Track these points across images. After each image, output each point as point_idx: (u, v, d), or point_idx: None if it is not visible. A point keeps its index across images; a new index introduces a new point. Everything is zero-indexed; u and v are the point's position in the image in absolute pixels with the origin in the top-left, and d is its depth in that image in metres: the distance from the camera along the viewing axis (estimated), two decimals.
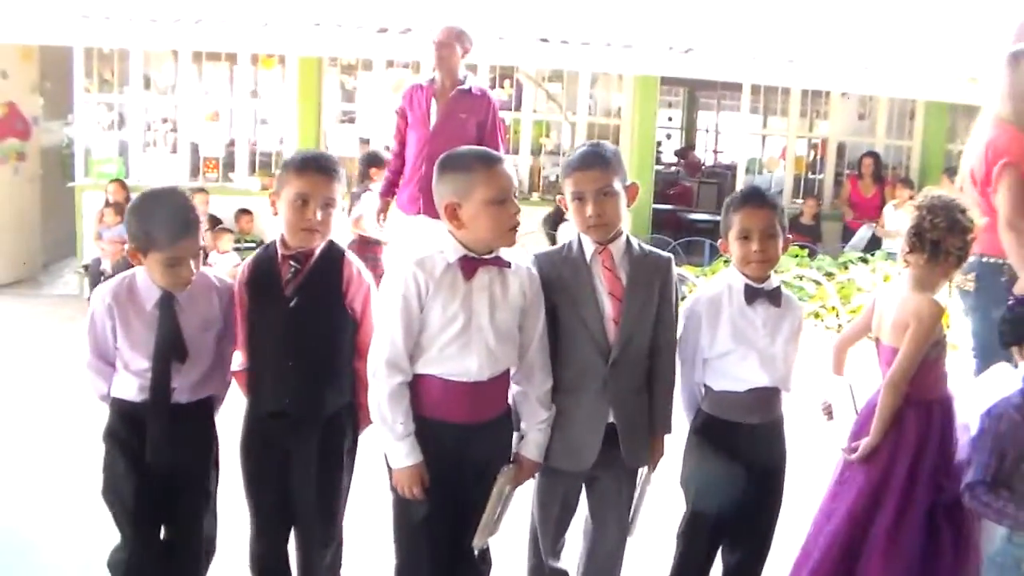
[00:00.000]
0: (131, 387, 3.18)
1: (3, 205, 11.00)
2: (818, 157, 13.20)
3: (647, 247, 3.29)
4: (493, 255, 3.02)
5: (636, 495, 3.37)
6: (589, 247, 3.19)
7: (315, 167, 3.20)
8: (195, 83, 11.86)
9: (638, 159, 11.64)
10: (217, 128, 11.97)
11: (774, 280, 3.33)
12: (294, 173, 3.17)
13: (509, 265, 3.04)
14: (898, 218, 10.25)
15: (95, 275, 9.65)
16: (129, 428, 3.19)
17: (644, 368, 3.27)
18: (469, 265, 2.98)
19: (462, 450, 3.03)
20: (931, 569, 3.21)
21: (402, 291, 2.95)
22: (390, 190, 6.75)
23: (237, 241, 10.29)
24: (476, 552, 3.12)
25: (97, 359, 3.23)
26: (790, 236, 3.39)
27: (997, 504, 2.82)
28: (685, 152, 20.48)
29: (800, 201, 12.33)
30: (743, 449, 3.33)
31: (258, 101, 12.10)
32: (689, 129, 21.78)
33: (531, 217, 10.84)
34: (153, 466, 3.17)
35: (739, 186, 11.85)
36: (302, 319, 3.17)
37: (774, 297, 3.31)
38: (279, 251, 3.23)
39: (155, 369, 3.13)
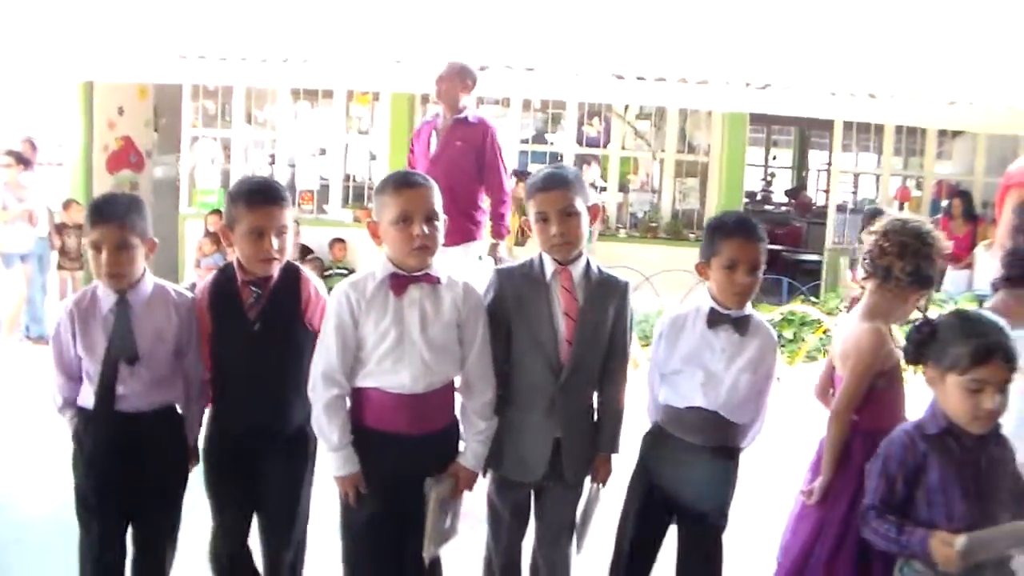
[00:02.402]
0: (89, 395, 3.30)
1: None
2: (935, 197, 12.87)
3: (606, 270, 3.35)
4: (423, 272, 3.11)
5: (583, 512, 3.42)
6: (550, 266, 3.25)
7: (263, 199, 3.27)
8: (292, 119, 12.30)
9: (725, 196, 11.61)
10: (312, 162, 12.40)
11: (747, 308, 3.32)
12: (244, 207, 3.25)
13: (439, 281, 3.14)
14: (988, 259, 9.98)
15: None
16: (86, 433, 3.34)
17: (593, 388, 3.34)
18: (398, 282, 3.08)
19: (404, 461, 3.11)
20: None
21: (336, 310, 3.10)
22: None
23: (327, 268, 10.77)
24: (426, 561, 3.19)
25: (59, 371, 3.36)
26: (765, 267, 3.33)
27: (882, 529, 2.71)
28: (796, 192, 20.23)
29: None
30: (682, 463, 3.33)
31: (352, 136, 12.45)
32: (800, 169, 21.50)
33: (615, 252, 10.95)
34: (108, 467, 3.29)
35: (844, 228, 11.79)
36: (266, 341, 3.30)
37: (740, 324, 3.27)
38: (239, 276, 3.33)
39: (105, 366, 3.24)
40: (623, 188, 12.36)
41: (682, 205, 12.19)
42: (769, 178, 21.24)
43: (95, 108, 12.05)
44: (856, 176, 14.42)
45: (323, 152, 12.65)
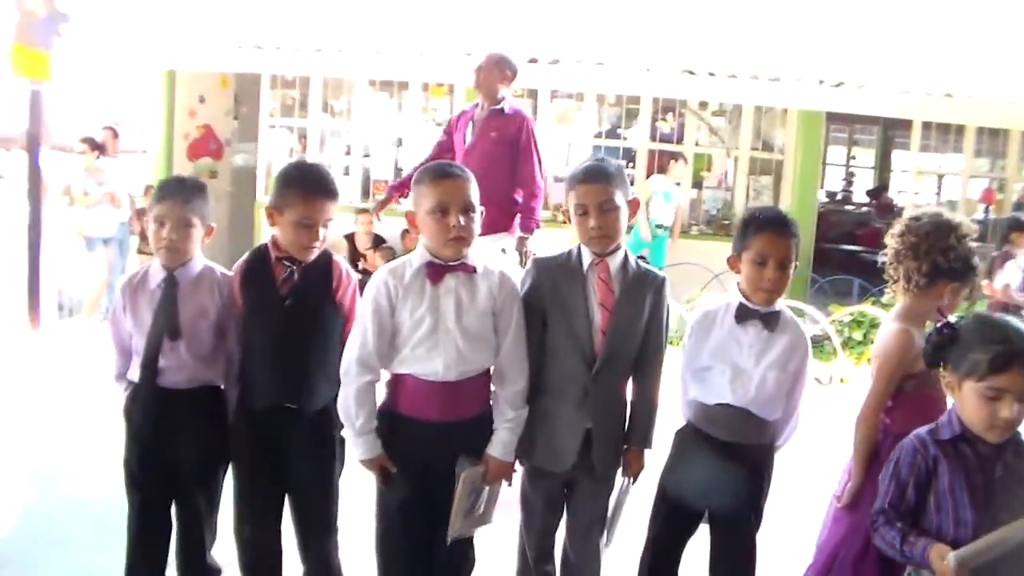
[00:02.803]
0: (136, 370, 3.45)
1: None
2: (1021, 199, 12.59)
3: (644, 264, 3.37)
4: (459, 262, 3.16)
5: (613, 505, 3.44)
6: (587, 258, 3.28)
7: (318, 191, 3.35)
8: (369, 109, 12.45)
9: (799, 194, 11.51)
10: (389, 152, 12.53)
11: (778, 304, 3.31)
12: (299, 196, 3.32)
13: (475, 270, 3.19)
14: None
15: None
16: (134, 408, 3.49)
17: (626, 381, 3.36)
18: (435, 270, 3.12)
19: (436, 447, 3.17)
20: None
21: (374, 295, 3.15)
22: (400, 189, 6.76)
23: (396, 256, 10.85)
24: (450, 542, 3.23)
25: (116, 345, 3.54)
26: (798, 263, 3.32)
27: (888, 537, 2.67)
28: (878, 192, 19.91)
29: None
30: (713, 462, 3.32)
31: (428, 127, 12.56)
32: (882, 169, 21.15)
33: (687, 249, 10.92)
34: (151, 440, 3.43)
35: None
36: (296, 317, 3.37)
37: (769, 320, 3.27)
38: (272, 253, 3.42)
39: (148, 340, 3.38)
40: (697, 185, 12.29)
41: (756, 203, 12.09)
42: (849, 177, 20.93)
43: (177, 96, 12.33)
44: (940, 177, 14.15)
45: (400, 143, 12.76)
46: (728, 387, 3.28)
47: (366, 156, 12.50)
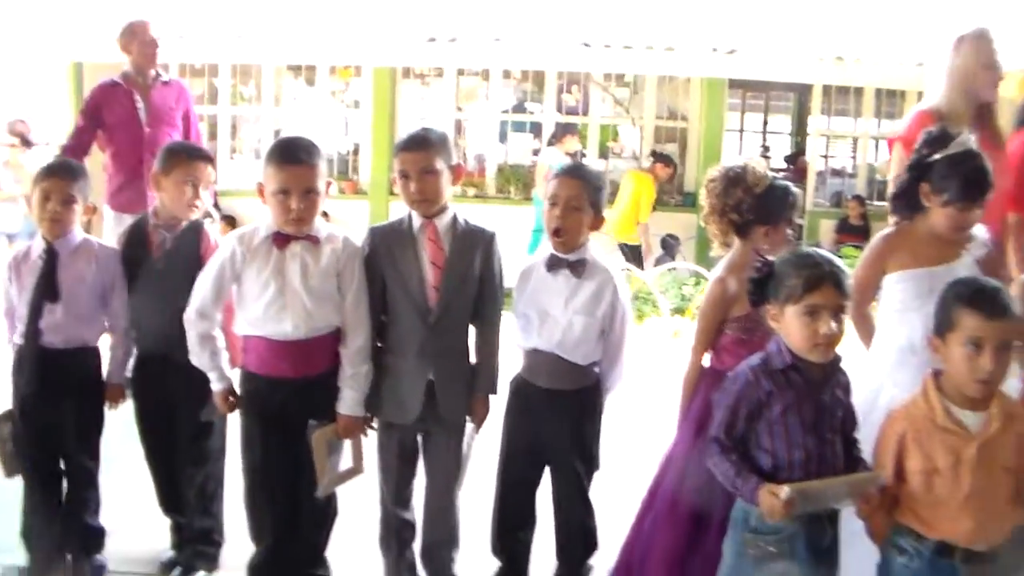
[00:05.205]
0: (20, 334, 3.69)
1: None
2: None
3: (472, 223, 3.57)
4: (304, 235, 3.38)
5: (464, 451, 3.64)
6: (417, 221, 3.50)
7: (198, 156, 3.84)
8: (278, 94, 12.54)
9: (704, 161, 11.72)
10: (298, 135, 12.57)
11: (584, 251, 3.51)
12: (185, 159, 3.76)
13: (319, 240, 3.40)
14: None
15: None
16: (19, 371, 3.70)
17: (464, 332, 3.57)
18: (282, 239, 3.38)
19: (290, 403, 3.40)
20: (703, 539, 3.29)
21: (220, 255, 3.42)
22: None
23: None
24: (319, 497, 3.47)
25: (6, 315, 3.78)
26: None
27: (723, 467, 2.79)
28: (794, 158, 20.19)
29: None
30: (540, 408, 3.55)
31: (334, 110, 12.68)
32: (799, 135, 21.44)
33: None
34: (32, 399, 3.66)
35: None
36: (169, 278, 3.63)
37: (576, 268, 3.47)
38: (151, 222, 3.76)
39: (31, 303, 3.61)
40: (603, 155, 12.51)
41: (640, 165, 12.27)
42: (766, 143, 21.21)
43: (86, 88, 12.24)
44: (855, 140, 14.43)
45: (308, 126, 12.82)
46: (536, 332, 3.50)
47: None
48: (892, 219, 3.61)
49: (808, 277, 2.73)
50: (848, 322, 2.99)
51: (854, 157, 16.36)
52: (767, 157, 20.50)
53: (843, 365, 2.90)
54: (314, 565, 3.66)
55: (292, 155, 3.36)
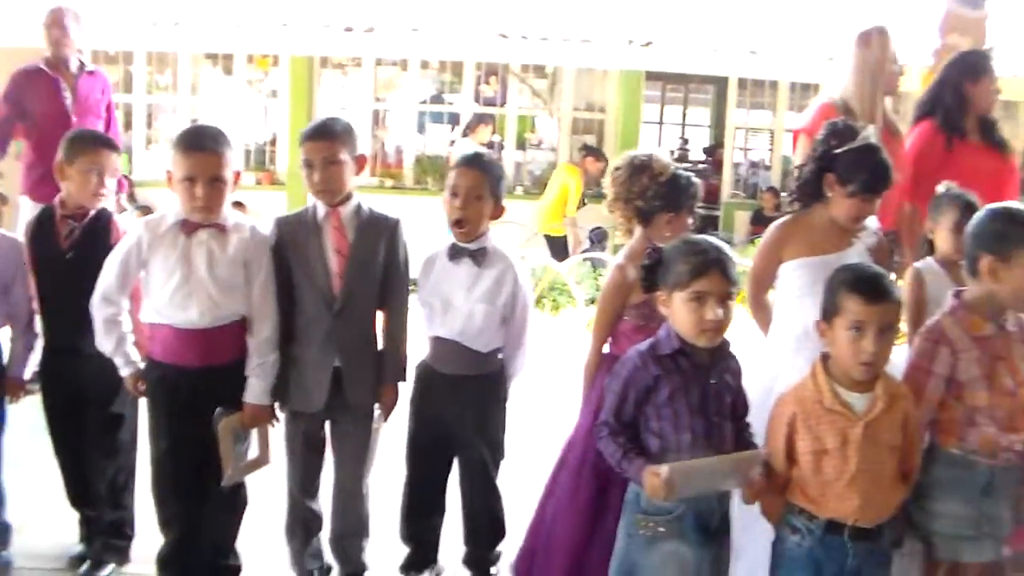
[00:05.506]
0: None
1: None
2: None
3: (377, 211, 3.60)
4: (211, 223, 3.39)
5: (372, 439, 3.66)
6: (321, 210, 3.52)
7: (99, 144, 3.77)
8: (193, 83, 12.41)
9: (620, 152, 11.79)
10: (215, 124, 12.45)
11: (485, 240, 3.56)
12: (91, 147, 3.72)
13: (226, 228, 3.41)
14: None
15: None
16: None
17: (370, 320, 3.59)
18: (189, 226, 3.38)
19: (196, 392, 3.39)
20: (603, 522, 3.35)
21: (126, 242, 3.41)
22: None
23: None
24: (225, 486, 3.48)
25: None
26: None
27: (610, 449, 2.85)
28: (713, 150, 20.44)
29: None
30: (444, 395, 3.60)
31: (252, 100, 12.58)
32: (718, 127, 21.70)
33: (514, 209, 11.12)
34: None
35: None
36: (78, 269, 3.58)
37: (477, 257, 3.53)
38: (58, 212, 3.69)
39: None
40: (521, 146, 12.56)
41: (571, 159, 12.35)
42: (686, 136, 21.42)
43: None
44: (772, 132, 14.64)
45: (226, 116, 12.70)
46: (439, 321, 3.55)
47: None
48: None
49: (695, 264, 2.80)
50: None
51: (772, 150, 16.66)
52: (686, 150, 20.79)
53: (733, 350, 2.98)
54: (224, 555, 3.65)
55: (198, 142, 3.36)
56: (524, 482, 3.83)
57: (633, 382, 2.87)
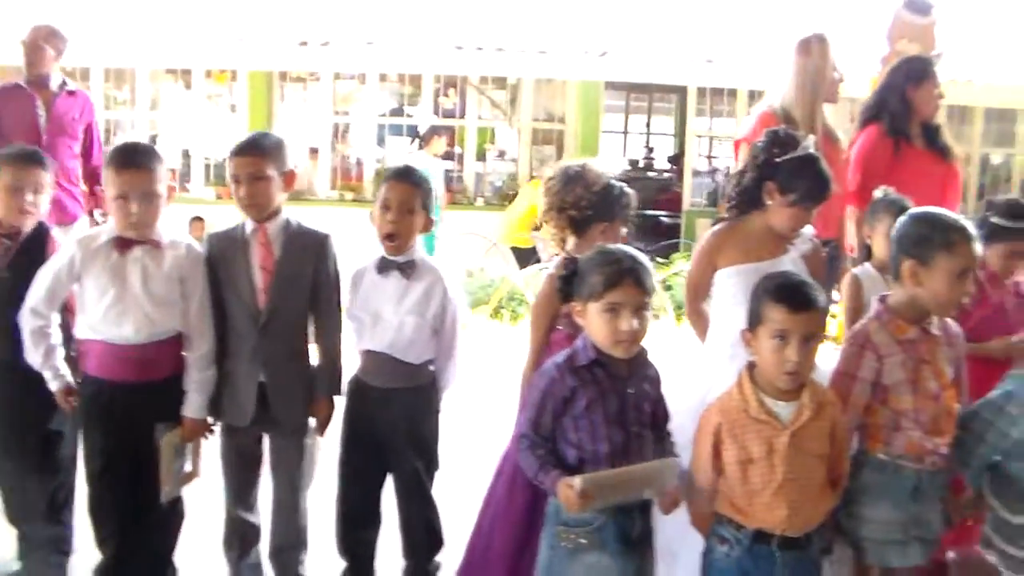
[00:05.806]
0: None
1: None
2: None
3: (306, 227, 3.58)
4: (146, 239, 3.36)
5: (308, 452, 3.65)
6: (249, 226, 3.51)
7: (25, 160, 3.70)
8: (153, 98, 12.35)
9: None
10: (173, 141, 12.43)
11: (413, 253, 3.54)
12: (11, 164, 3.64)
13: (160, 244, 3.39)
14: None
15: None
16: None
17: (299, 335, 3.57)
18: (123, 243, 3.34)
19: (133, 408, 3.36)
20: (537, 534, 3.21)
21: (59, 257, 3.39)
22: None
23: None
24: (163, 501, 3.46)
25: None
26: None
27: (528, 462, 2.83)
28: (677, 158, 20.52)
29: None
30: (376, 408, 3.56)
31: (211, 114, 12.52)
32: (682, 136, 21.78)
33: (475, 220, 11.16)
34: None
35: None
36: (14, 286, 3.52)
37: (405, 270, 3.50)
38: None
39: None
40: (481, 157, 12.56)
41: (540, 173, 12.39)
42: (650, 145, 21.50)
43: None
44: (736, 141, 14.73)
45: (185, 131, 12.67)
46: (369, 334, 3.53)
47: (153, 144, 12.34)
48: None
49: (608, 275, 2.77)
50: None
51: (735, 157, 16.77)
52: (651, 159, 20.87)
53: (650, 358, 2.97)
54: (162, 568, 3.62)
55: (130, 159, 3.34)
56: (469, 493, 3.79)
57: (550, 393, 2.85)
